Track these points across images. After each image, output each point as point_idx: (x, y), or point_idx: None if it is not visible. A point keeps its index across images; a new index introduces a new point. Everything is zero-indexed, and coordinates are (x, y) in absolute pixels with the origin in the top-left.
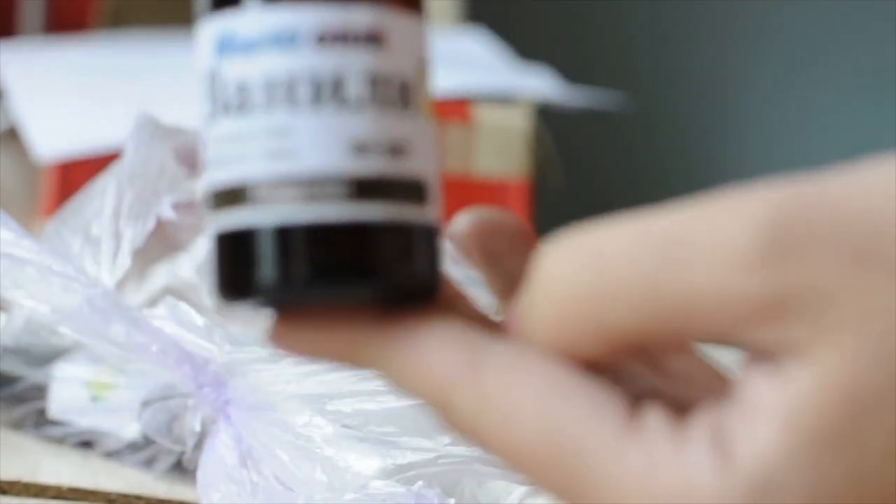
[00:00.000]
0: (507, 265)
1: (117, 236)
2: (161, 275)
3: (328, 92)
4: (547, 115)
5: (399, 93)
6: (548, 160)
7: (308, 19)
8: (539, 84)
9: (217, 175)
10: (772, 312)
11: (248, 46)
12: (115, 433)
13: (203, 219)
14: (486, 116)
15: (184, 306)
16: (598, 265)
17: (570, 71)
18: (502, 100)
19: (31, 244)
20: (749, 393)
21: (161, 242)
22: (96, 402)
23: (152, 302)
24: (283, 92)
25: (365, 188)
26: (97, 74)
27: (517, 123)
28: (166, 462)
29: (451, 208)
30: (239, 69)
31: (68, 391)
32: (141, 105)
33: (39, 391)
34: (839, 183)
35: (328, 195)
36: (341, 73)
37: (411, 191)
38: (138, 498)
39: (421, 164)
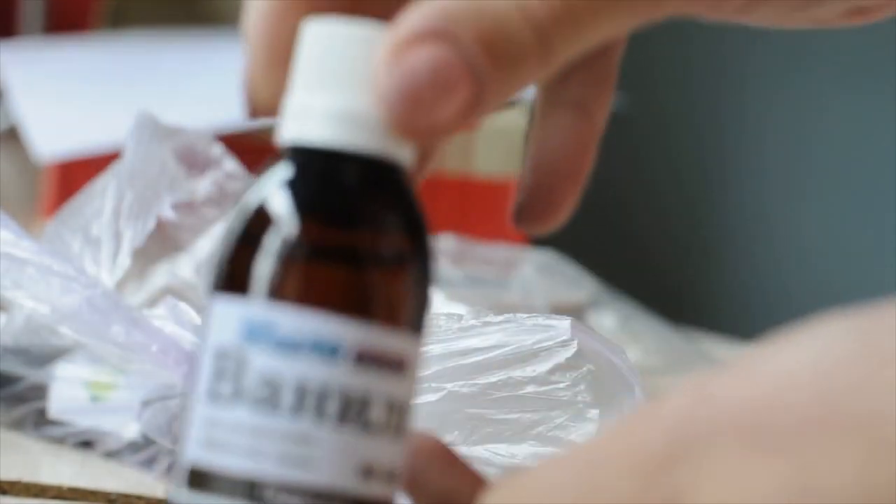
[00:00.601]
0: (429, 485)
1: (117, 236)
2: (161, 275)
3: (355, 412)
4: None
5: (404, 420)
6: None
7: (351, 335)
8: None
9: (220, 459)
10: None
11: (286, 344)
12: (115, 433)
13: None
14: (487, 116)
15: (184, 306)
16: None
17: None
18: None
19: (31, 244)
20: None
21: (161, 242)
22: (96, 402)
23: (152, 302)
24: (314, 401)
25: None
26: (97, 74)
27: (517, 123)
28: (166, 462)
29: (452, 208)
30: (270, 363)
31: (68, 391)
32: (141, 105)
33: (39, 391)
34: (732, 382)
35: None
36: (369, 396)
37: None
38: (139, 498)
39: (398, 488)
